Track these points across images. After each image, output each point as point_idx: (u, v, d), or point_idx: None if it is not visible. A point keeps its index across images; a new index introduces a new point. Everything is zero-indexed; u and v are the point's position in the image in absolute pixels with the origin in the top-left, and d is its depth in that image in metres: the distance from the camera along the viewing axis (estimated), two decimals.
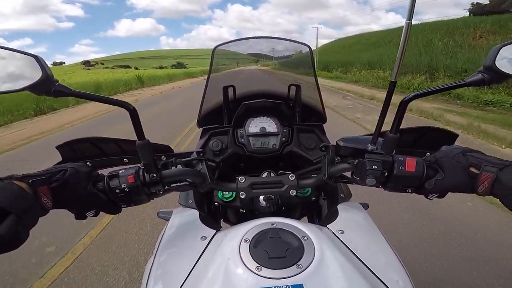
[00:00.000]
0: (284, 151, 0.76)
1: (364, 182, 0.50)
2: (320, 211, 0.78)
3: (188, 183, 0.60)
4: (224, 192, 0.74)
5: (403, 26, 0.44)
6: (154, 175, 0.51)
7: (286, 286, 0.37)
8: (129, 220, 2.17)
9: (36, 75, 0.42)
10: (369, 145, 0.52)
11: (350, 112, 6.65)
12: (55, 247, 1.91)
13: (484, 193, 0.45)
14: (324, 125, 0.81)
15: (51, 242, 1.94)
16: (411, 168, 0.49)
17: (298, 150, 0.75)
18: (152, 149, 0.51)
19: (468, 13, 19.94)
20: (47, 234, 1.98)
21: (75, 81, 18.05)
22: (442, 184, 0.48)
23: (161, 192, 0.54)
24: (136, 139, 0.50)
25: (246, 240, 0.44)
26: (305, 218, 0.85)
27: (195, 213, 0.63)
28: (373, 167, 0.49)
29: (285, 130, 0.77)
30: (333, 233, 0.53)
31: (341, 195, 0.69)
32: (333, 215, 0.59)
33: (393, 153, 0.50)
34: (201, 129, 0.79)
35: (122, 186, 0.49)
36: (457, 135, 0.66)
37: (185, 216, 0.62)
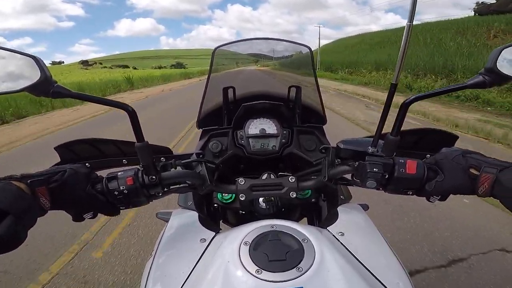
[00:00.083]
0: (284, 153, 0.76)
1: (365, 185, 0.50)
2: (320, 213, 0.77)
3: (187, 185, 0.59)
4: (223, 194, 0.74)
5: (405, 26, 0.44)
6: (153, 177, 0.51)
7: None
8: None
9: (34, 76, 0.41)
10: (369, 147, 0.51)
11: None
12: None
13: (484, 194, 0.45)
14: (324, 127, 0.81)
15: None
16: (412, 170, 0.49)
17: (298, 151, 0.75)
18: (151, 150, 0.51)
19: (473, 12, 19.72)
20: None
21: (70, 80, 16.65)
22: (442, 186, 0.48)
23: (160, 194, 0.54)
24: (135, 141, 0.50)
25: (246, 243, 0.44)
26: (305, 219, 0.85)
27: (194, 214, 0.62)
28: (374, 169, 0.49)
29: (285, 132, 0.77)
30: (333, 235, 0.53)
31: (341, 196, 0.69)
32: (333, 217, 0.59)
33: (394, 155, 0.50)
34: (201, 130, 0.79)
35: (121, 188, 0.49)
36: (457, 137, 0.66)
37: (184, 218, 0.62)
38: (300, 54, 0.91)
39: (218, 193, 0.75)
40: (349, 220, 0.58)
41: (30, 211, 0.39)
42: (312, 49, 0.80)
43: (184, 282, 0.45)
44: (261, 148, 0.76)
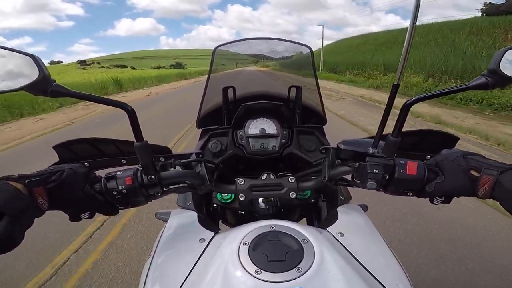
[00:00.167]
0: (284, 153, 0.76)
1: (365, 185, 0.50)
2: (319, 213, 0.77)
3: (186, 184, 0.59)
4: (223, 194, 0.74)
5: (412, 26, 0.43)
6: (152, 176, 0.51)
7: None
8: None
9: (33, 75, 0.41)
10: (370, 148, 0.51)
11: None
12: None
13: (484, 196, 0.45)
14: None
15: None
16: (412, 171, 0.49)
17: (298, 152, 0.75)
18: (151, 150, 0.50)
19: (480, 13, 19.42)
20: None
21: (63, 81, 15.46)
22: (442, 187, 0.48)
23: (159, 194, 0.53)
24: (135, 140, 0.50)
25: (245, 243, 0.44)
26: (304, 220, 0.85)
27: (193, 214, 0.62)
28: (374, 170, 0.49)
29: (285, 132, 0.76)
30: (333, 236, 0.53)
31: (341, 197, 0.68)
32: (332, 218, 0.59)
33: (394, 156, 0.50)
34: (200, 130, 0.79)
35: (120, 187, 0.49)
36: (458, 138, 0.66)
37: (183, 218, 0.62)
38: (300, 55, 0.91)
39: (218, 193, 0.74)
40: (348, 221, 0.58)
41: (27, 211, 0.38)
42: (315, 50, 0.80)
43: (183, 283, 0.44)
44: (261, 148, 0.76)
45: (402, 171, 0.49)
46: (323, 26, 28.98)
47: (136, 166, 0.52)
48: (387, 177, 0.50)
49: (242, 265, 0.40)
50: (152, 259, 0.52)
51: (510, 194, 0.42)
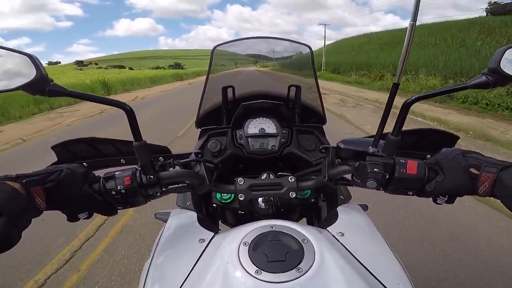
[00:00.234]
0: (284, 153, 0.76)
1: (365, 185, 0.50)
2: (319, 213, 0.77)
3: (186, 184, 0.59)
4: (222, 194, 0.74)
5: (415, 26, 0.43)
6: (151, 176, 0.50)
7: None
8: None
9: (30, 74, 0.41)
10: (370, 147, 0.51)
11: None
12: None
13: (485, 193, 0.45)
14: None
15: None
16: (412, 170, 0.49)
17: (297, 151, 0.75)
18: (150, 150, 0.50)
19: (484, 13, 19.10)
20: None
21: (59, 82, 14.22)
22: (442, 185, 0.48)
23: (158, 194, 0.53)
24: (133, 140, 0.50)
25: (245, 243, 0.43)
26: (304, 220, 0.84)
27: (193, 215, 0.62)
28: (375, 169, 0.48)
29: (284, 131, 0.76)
30: (333, 235, 0.53)
31: (341, 197, 0.68)
32: (333, 217, 0.59)
33: (394, 155, 0.50)
34: (200, 130, 0.78)
35: (119, 187, 0.48)
36: (458, 137, 0.66)
37: (183, 218, 0.62)
38: (300, 54, 0.91)
39: (217, 193, 0.74)
40: (349, 221, 0.58)
41: (24, 211, 0.38)
42: (315, 50, 0.80)
43: (183, 283, 0.44)
44: (261, 148, 0.76)
45: (402, 170, 0.49)
46: (325, 25, 28.22)
47: (135, 166, 0.52)
48: (387, 176, 0.49)
49: (242, 265, 0.40)
50: (151, 260, 0.52)
51: (510, 192, 0.42)
